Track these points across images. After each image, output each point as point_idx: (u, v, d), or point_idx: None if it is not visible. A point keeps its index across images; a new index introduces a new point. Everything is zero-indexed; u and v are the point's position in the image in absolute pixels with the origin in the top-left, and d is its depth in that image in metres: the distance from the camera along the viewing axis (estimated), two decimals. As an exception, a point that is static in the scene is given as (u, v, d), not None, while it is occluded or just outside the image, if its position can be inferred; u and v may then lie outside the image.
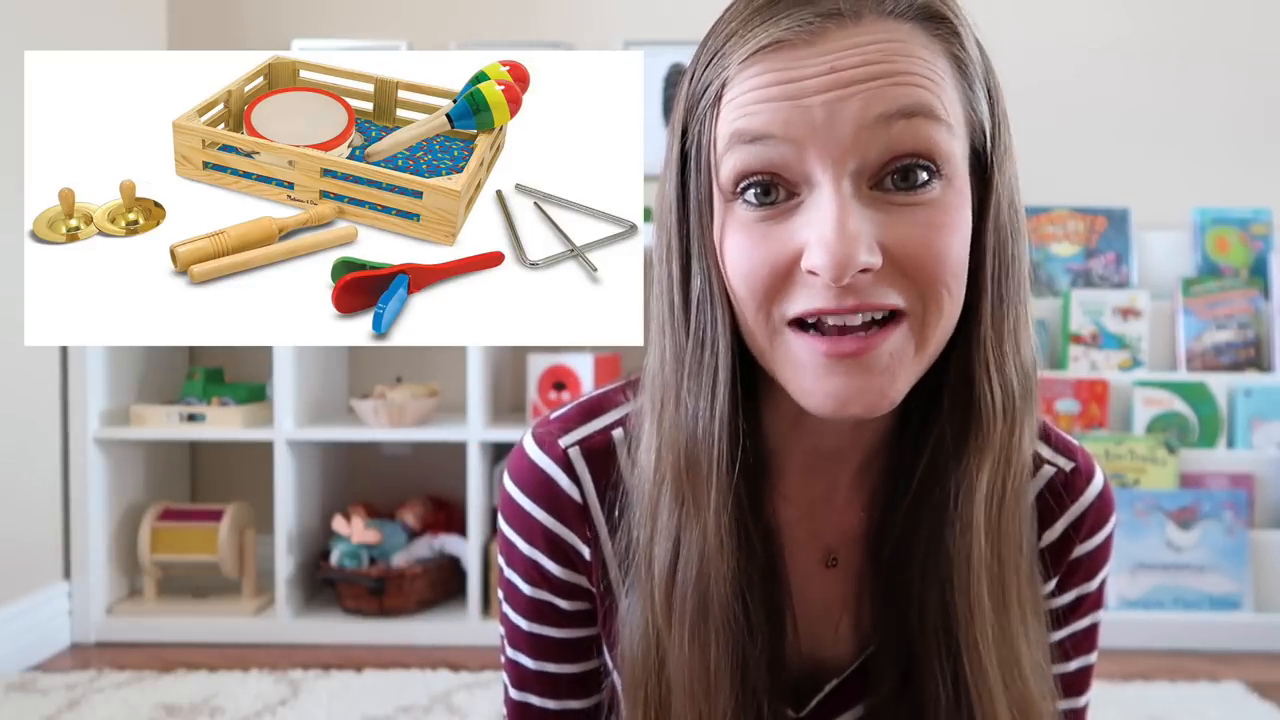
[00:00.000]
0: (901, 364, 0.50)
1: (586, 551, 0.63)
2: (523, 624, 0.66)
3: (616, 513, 0.62)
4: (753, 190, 0.50)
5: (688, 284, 0.55)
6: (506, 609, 0.67)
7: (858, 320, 0.49)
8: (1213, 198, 2.42)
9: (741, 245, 0.51)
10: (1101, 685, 1.80)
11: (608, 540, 0.63)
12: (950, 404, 0.55)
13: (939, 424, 0.56)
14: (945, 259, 0.50)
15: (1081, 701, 0.68)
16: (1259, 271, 2.34)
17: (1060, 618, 0.66)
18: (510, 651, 0.68)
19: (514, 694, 0.68)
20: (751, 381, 0.57)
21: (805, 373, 0.51)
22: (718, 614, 0.56)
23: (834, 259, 0.47)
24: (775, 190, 0.50)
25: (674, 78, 2.45)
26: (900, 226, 0.49)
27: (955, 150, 0.50)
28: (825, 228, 0.48)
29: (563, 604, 0.65)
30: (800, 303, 0.50)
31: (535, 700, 0.67)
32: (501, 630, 0.69)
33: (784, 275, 0.50)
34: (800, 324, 0.51)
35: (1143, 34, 2.48)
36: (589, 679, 0.67)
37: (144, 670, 1.92)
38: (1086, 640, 0.68)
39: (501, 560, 0.67)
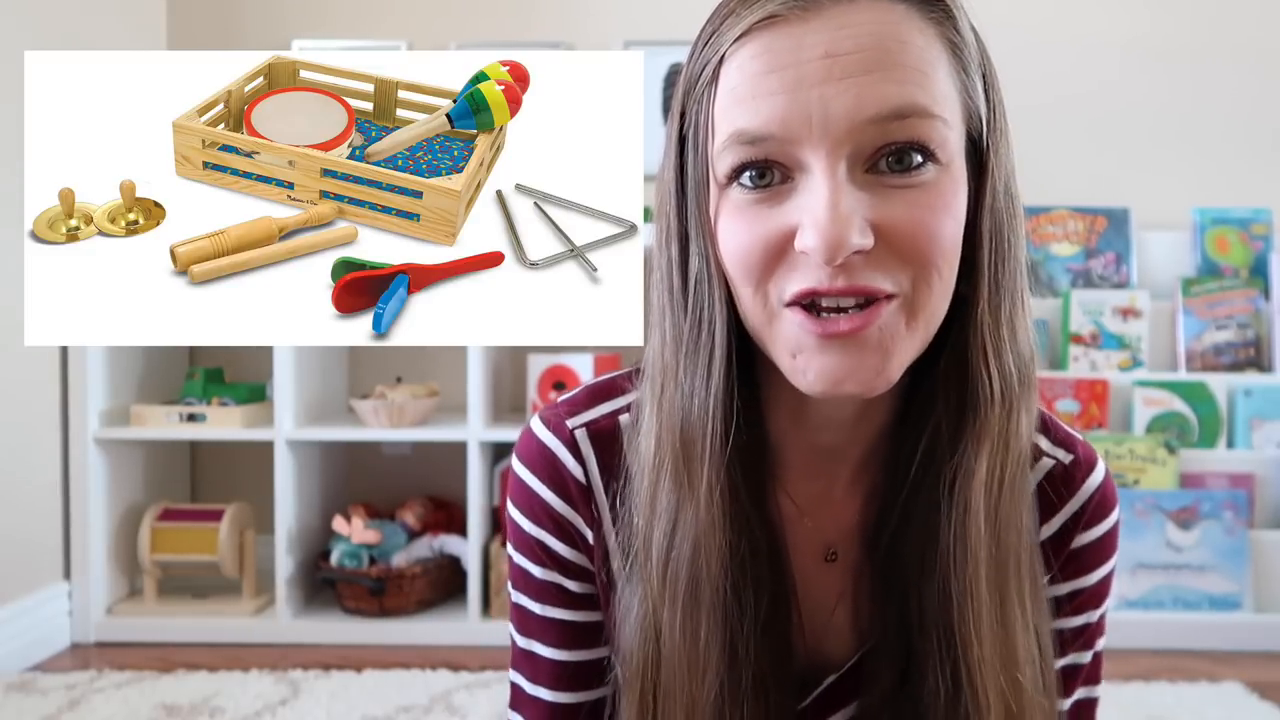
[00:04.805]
0: (894, 341, 0.50)
1: (590, 534, 0.64)
2: (535, 608, 0.66)
3: (620, 501, 0.62)
4: (748, 174, 0.51)
5: (686, 265, 0.56)
6: (519, 597, 0.67)
7: (850, 302, 0.50)
8: (1213, 198, 2.42)
9: (735, 226, 0.52)
10: (1101, 685, 1.80)
11: (610, 526, 0.63)
12: (946, 390, 0.55)
13: (935, 414, 0.56)
14: (937, 240, 0.50)
15: (1067, 703, 0.68)
16: (1259, 271, 2.34)
17: (1053, 611, 0.65)
18: (523, 642, 0.67)
19: (529, 689, 0.67)
20: (753, 377, 0.57)
21: (800, 353, 0.51)
22: (708, 593, 0.57)
23: (825, 240, 0.48)
24: (770, 173, 0.51)
25: (674, 78, 2.44)
26: (893, 207, 0.49)
27: (950, 139, 0.51)
28: (818, 209, 0.48)
29: (571, 585, 0.65)
30: (794, 282, 0.50)
31: (548, 695, 0.66)
32: (512, 628, 0.69)
33: (777, 255, 0.51)
34: (796, 305, 0.51)
35: (1143, 33, 2.48)
36: (604, 668, 0.67)
37: (144, 670, 1.92)
38: (1081, 636, 0.67)
39: (510, 547, 0.67)
